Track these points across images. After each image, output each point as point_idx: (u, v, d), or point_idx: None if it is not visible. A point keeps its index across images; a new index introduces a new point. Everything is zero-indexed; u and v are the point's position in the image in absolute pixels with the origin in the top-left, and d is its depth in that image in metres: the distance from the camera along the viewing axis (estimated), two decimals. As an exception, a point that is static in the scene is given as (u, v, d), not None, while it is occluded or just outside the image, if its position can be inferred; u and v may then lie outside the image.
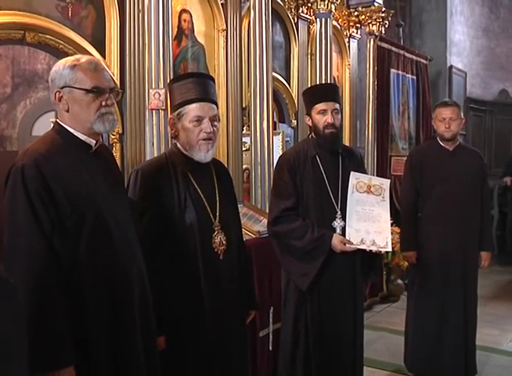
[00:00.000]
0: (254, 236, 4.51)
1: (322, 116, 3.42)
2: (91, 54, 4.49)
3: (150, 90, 4.21)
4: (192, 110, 2.63)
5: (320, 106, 3.43)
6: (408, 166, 4.80)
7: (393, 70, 8.38)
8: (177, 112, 2.65)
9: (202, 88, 2.69)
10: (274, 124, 6.16)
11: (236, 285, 2.79)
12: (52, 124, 2.29)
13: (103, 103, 2.19)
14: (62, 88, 2.16)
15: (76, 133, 2.19)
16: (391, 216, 3.42)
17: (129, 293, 2.20)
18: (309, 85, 6.70)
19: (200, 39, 5.40)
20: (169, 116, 2.74)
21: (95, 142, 2.25)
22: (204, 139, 2.64)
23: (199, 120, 2.63)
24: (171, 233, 2.59)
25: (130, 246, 2.25)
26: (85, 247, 2.08)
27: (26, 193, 2.02)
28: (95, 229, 2.11)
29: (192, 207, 2.63)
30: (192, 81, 2.67)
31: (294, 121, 6.97)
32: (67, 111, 2.18)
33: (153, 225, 2.57)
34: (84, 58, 2.24)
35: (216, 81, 5.49)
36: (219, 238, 2.68)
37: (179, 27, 5.23)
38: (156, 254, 2.55)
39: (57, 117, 2.27)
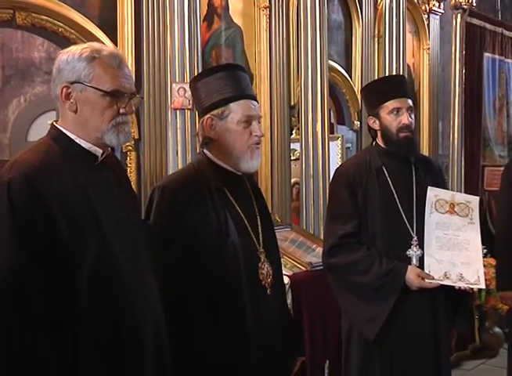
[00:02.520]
0: (304, 268, 4.53)
1: (395, 116, 3.45)
2: (99, 40, 4.62)
3: (173, 85, 4.29)
4: (240, 108, 2.69)
5: (393, 104, 3.46)
6: (506, 179, 4.77)
7: (487, 54, 8.32)
8: (219, 111, 2.72)
9: (242, 84, 2.76)
10: (331, 126, 6.20)
11: (281, 327, 2.83)
12: (49, 129, 2.30)
13: (121, 111, 2.23)
14: (72, 83, 2.19)
15: (78, 140, 2.22)
16: (483, 243, 3.40)
17: (140, 336, 2.22)
18: (376, 77, 6.70)
19: (237, 20, 5.51)
20: (206, 116, 2.76)
21: (101, 151, 2.28)
22: (256, 144, 2.72)
23: (248, 121, 2.70)
24: (209, 265, 2.62)
25: (142, 280, 2.27)
26: (86, 282, 2.10)
27: (12, 213, 2.03)
28: (99, 259, 2.13)
29: (235, 230, 2.67)
30: (225, 75, 2.75)
31: (357, 123, 7.00)
32: (75, 112, 2.21)
33: (184, 259, 2.60)
34: (105, 50, 2.27)
35: (257, 72, 5.60)
36: (266, 268, 2.74)
37: (210, 4, 5.35)
38: (189, 295, 2.58)
39: (57, 119, 2.33)
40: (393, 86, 3.57)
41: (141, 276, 2.29)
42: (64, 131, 2.23)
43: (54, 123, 2.28)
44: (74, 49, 2.22)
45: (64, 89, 2.19)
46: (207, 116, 2.72)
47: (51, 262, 2.05)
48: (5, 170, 2.11)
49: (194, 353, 2.58)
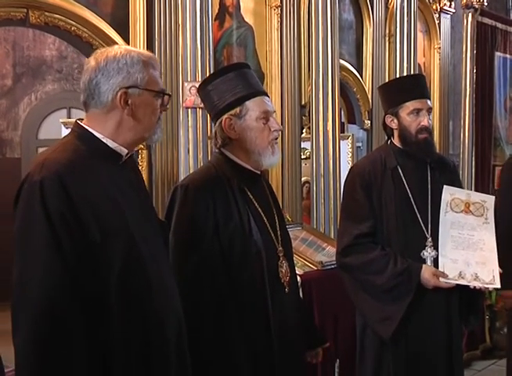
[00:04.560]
0: (315, 268, 4.54)
1: (415, 117, 3.44)
2: (112, 39, 4.65)
3: (185, 84, 4.30)
4: (257, 105, 2.74)
5: (414, 105, 3.45)
6: (506, 177, 4.76)
7: (498, 54, 8.32)
8: (236, 110, 2.75)
9: (252, 81, 2.82)
10: (341, 125, 6.21)
11: (299, 323, 2.88)
12: (72, 127, 2.30)
13: (162, 108, 2.29)
14: (128, 88, 2.20)
15: (105, 140, 2.22)
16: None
17: (164, 336, 2.23)
18: (387, 76, 6.74)
19: (248, 19, 5.53)
20: (224, 117, 2.76)
21: (126, 151, 2.28)
22: (275, 139, 2.78)
23: (266, 117, 2.75)
24: (234, 265, 2.65)
25: (164, 279, 2.30)
26: (117, 282, 2.11)
27: (46, 214, 2.02)
28: (128, 261, 2.14)
29: (257, 230, 2.71)
30: (234, 75, 2.79)
31: (368, 122, 7.01)
32: (131, 116, 2.23)
33: (211, 258, 2.62)
34: (144, 52, 2.31)
35: (268, 71, 5.61)
36: (285, 266, 2.78)
37: (221, 3, 5.37)
38: (216, 295, 2.61)
39: (79, 119, 2.32)
40: (414, 86, 3.56)
41: (164, 275, 2.30)
42: (91, 130, 2.23)
43: (78, 121, 2.27)
44: (118, 55, 2.22)
45: (122, 95, 2.19)
46: (225, 116, 2.75)
47: (84, 263, 2.06)
48: (34, 169, 2.09)
49: (218, 352, 2.60)
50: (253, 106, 2.74)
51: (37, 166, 2.10)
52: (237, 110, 2.74)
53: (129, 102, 2.20)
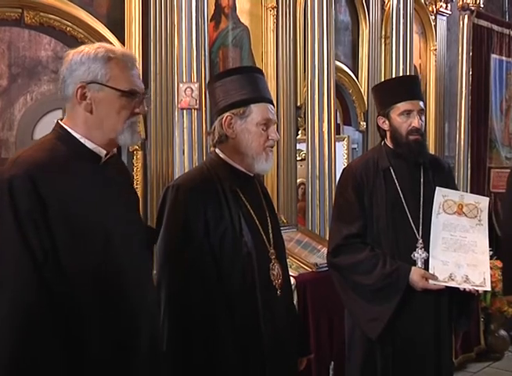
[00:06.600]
0: (310, 269, 4.54)
1: (405, 118, 3.46)
2: (107, 39, 4.64)
3: (180, 84, 4.30)
4: (262, 111, 2.76)
5: (404, 106, 3.46)
6: (510, 183, 4.75)
7: (494, 56, 8.32)
8: (239, 110, 2.76)
9: (262, 87, 2.84)
10: (337, 127, 6.20)
11: (292, 328, 2.87)
12: (54, 127, 2.29)
13: (136, 110, 2.26)
14: (89, 83, 2.19)
15: (83, 140, 2.22)
16: (489, 245, 3.39)
17: (135, 343, 2.23)
18: (383, 77, 6.73)
19: (244, 20, 5.53)
20: (226, 114, 2.77)
21: (105, 152, 2.28)
22: (270, 147, 2.79)
23: (266, 124, 2.76)
24: (224, 266, 2.65)
25: (142, 285, 2.30)
26: (91, 279, 2.11)
27: (14, 212, 2.01)
28: (102, 267, 2.14)
29: (248, 231, 2.72)
30: (245, 77, 2.81)
31: (363, 124, 7.01)
32: (90, 112, 2.21)
33: (201, 259, 2.62)
34: (118, 50, 2.30)
35: (264, 72, 5.61)
36: (276, 269, 2.78)
37: (217, 4, 5.37)
38: (207, 295, 2.60)
39: (63, 118, 2.32)
40: (406, 87, 3.56)
41: (140, 279, 2.29)
42: (69, 130, 2.22)
43: (59, 121, 2.27)
44: (87, 50, 2.22)
45: (80, 89, 2.19)
46: (227, 114, 2.76)
47: (53, 262, 2.05)
48: (7, 167, 2.09)
49: (210, 354, 2.59)
50: (257, 111, 2.75)
51: (10, 164, 2.10)
52: (241, 110, 2.75)
53: (88, 97, 2.19)
